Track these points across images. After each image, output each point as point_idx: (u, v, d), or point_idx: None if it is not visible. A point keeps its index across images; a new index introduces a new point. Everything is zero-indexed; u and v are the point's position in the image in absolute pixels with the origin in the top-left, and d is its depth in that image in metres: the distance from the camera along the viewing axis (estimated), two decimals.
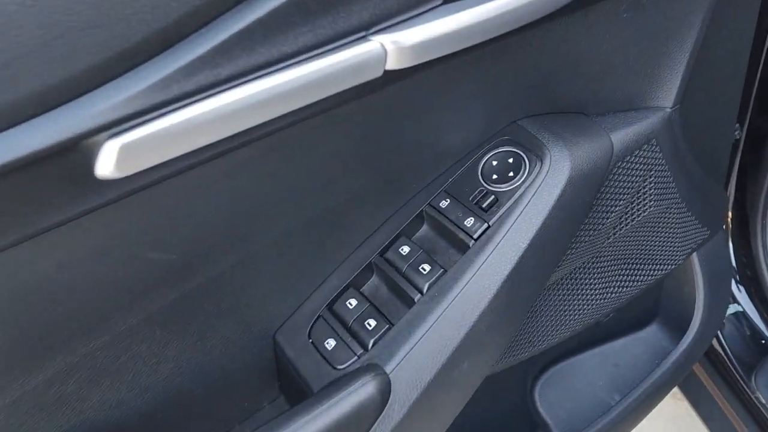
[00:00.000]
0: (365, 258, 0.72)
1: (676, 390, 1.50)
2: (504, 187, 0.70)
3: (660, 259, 0.94)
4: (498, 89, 0.70)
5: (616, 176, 0.76)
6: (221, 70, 0.48)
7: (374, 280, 0.72)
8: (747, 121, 1.23)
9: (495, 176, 0.71)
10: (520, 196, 0.69)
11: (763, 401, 1.32)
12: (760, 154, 1.24)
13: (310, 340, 0.70)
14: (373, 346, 0.67)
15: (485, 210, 0.70)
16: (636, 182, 0.78)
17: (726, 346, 1.37)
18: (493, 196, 0.70)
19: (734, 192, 1.32)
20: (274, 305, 0.71)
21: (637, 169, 0.78)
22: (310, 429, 0.63)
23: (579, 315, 0.89)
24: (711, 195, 0.99)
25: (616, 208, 0.78)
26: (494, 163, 0.72)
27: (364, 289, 0.72)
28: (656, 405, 1.15)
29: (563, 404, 1.17)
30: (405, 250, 0.71)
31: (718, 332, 1.37)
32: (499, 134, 0.74)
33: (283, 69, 0.50)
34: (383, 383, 0.64)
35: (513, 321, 0.73)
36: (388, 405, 0.65)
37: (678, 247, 0.95)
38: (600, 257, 0.85)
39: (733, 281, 1.37)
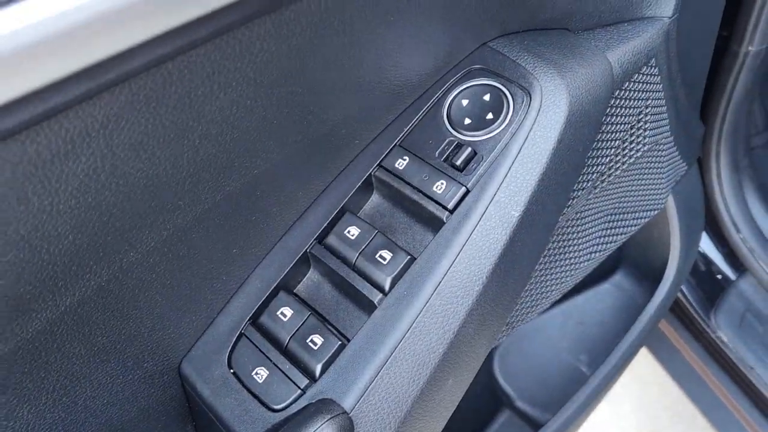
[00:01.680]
0: (298, 247, 0.52)
1: None
2: (482, 136, 0.51)
3: (645, 205, 0.78)
4: (460, 1, 0.51)
5: (614, 109, 0.59)
6: None
7: (313, 276, 0.52)
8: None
9: (468, 121, 0.52)
10: (507, 145, 0.50)
11: (725, 339, 1.23)
12: (715, 79, 1.11)
13: (232, 371, 0.50)
14: (322, 374, 0.48)
15: (460, 169, 0.51)
16: (633, 115, 0.62)
17: (683, 287, 1.27)
18: (469, 149, 0.51)
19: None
20: (173, 326, 0.50)
21: (635, 99, 0.61)
22: None
23: (561, 282, 0.73)
24: (691, 124, 0.84)
25: (609, 151, 0.61)
26: (464, 102, 0.52)
27: (300, 290, 0.52)
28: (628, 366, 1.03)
29: (525, 372, 1.03)
30: (353, 232, 0.51)
31: None
32: (467, 62, 0.54)
33: None
34: (343, 427, 0.45)
35: (503, 314, 0.55)
36: None
37: (663, 187, 0.80)
38: (585, 211, 0.69)
39: None
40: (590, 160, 0.59)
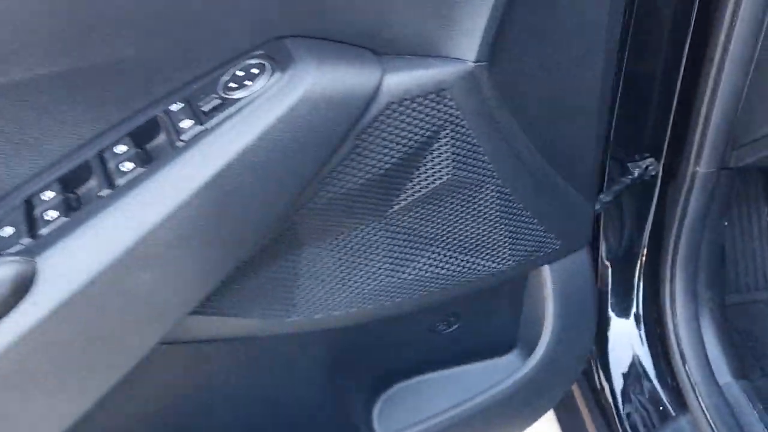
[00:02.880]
0: (81, 156, 0.65)
1: None
2: (235, 95, 0.63)
3: (482, 253, 0.83)
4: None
5: (392, 118, 0.68)
6: None
7: (78, 174, 0.65)
8: (663, 157, 1.12)
9: (232, 84, 0.65)
10: (247, 104, 0.62)
11: None
12: (670, 194, 1.13)
13: None
14: (39, 236, 0.60)
15: (206, 114, 0.63)
16: (421, 133, 0.70)
17: (620, 405, 1.22)
18: (219, 101, 0.63)
19: (649, 233, 1.19)
20: None
21: (421, 118, 0.69)
22: None
23: (369, 290, 0.79)
24: (563, 200, 0.89)
25: (396, 156, 0.69)
26: (238, 73, 0.65)
27: (66, 183, 0.65)
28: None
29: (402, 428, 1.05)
30: (121, 149, 0.64)
31: (614, 388, 1.22)
32: (260, 48, 0.67)
33: None
34: (26, 271, 0.57)
35: (215, 244, 0.64)
36: (28, 295, 0.57)
37: (506, 244, 0.84)
38: (394, 226, 0.76)
39: (637, 334, 1.23)
40: (367, 157, 0.68)
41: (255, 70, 0.64)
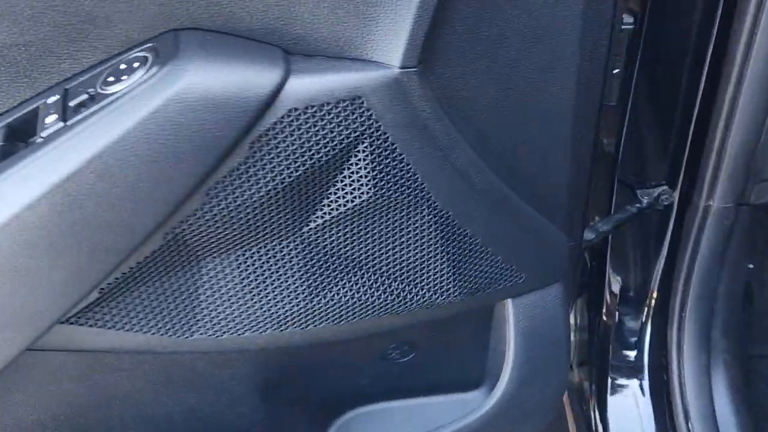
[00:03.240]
0: None
1: None
2: (108, 90, 0.57)
3: (419, 282, 0.74)
4: None
5: (294, 126, 0.60)
6: None
7: None
8: (678, 186, 0.99)
9: (111, 78, 0.58)
10: (114, 100, 0.56)
11: None
12: (684, 228, 0.99)
13: None
14: None
15: (74, 109, 0.57)
16: (332, 146, 0.62)
17: None
18: (87, 96, 0.57)
19: (661, 270, 1.06)
20: None
21: (331, 129, 0.61)
22: None
23: (285, 313, 0.72)
24: (527, 229, 0.78)
25: (301, 169, 0.62)
26: (122, 66, 0.59)
27: None
28: None
29: None
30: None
31: None
32: (153, 40, 0.61)
33: None
34: None
35: (71, 251, 0.58)
36: None
37: (450, 274, 0.75)
38: (312, 245, 0.69)
39: (639, 383, 1.10)
40: (265, 163, 0.60)
41: (136, 64, 0.58)
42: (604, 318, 1.10)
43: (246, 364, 0.81)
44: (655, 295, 1.07)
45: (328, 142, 0.62)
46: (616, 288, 1.10)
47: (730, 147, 0.86)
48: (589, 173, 0.82)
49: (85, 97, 0.56)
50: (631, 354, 1.09)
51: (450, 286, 0.75)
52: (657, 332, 1.06)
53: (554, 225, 0.80)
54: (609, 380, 1.10)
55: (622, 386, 1.09)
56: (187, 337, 0.70)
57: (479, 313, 0.86)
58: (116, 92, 0.56)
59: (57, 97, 0.59)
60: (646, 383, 1.08)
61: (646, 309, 1.08)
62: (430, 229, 0.71)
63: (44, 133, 0.56)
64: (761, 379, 1.13)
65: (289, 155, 0.61)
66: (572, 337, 1.25)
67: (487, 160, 0.72)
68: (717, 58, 0.83)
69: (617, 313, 1.10)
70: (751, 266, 1.04)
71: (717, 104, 0.85)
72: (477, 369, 0.93)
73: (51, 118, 0.56)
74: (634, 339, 1.09)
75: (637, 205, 0.99)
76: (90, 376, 0.74)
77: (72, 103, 0.56)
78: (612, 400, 1.10)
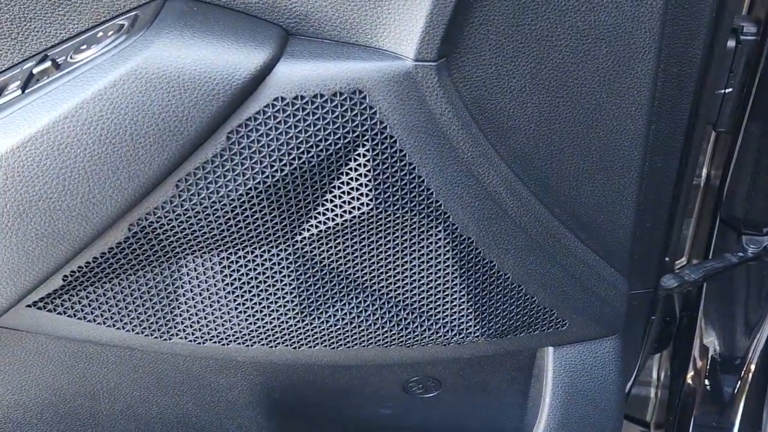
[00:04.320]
0: None
1: None
2: (73, 59, 0.51)
3: (434, 315, 0.63)
4: None
5: (279, 118, 0.51)
6: None
7: None
8: None
9: (84, 46, 0.52)
10: (71, 71, 0.50)
11: None
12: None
13: None
14: None
15: (37, 78, 0.51)
16: (324, 146, 0.52)
17: None
18: (49, 64, 0.51)
19: (764, 340, 0.88)
20: None
21: (324, 126, 0.52)
22: None
23: (275, 329, 0.64)
24: (576, 268, 0.65)
25: (288, 168, 0.53)
26: (99, 34, 0.53)
27: None
28: None
29: None
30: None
31: None
32: (139, 9, 0.54)
33: None
34: None
35: (19, 232, 0.53)
36: None
37: (472, 311, 0.63)
38: (306, 257, 0.60)
39: None
40: (233, 163, 0.52)
41: (111, 32, 0.51)
42: (689, 380, 0.93)
43: (246, 375, 0.74)
44: (756, 361, 0.89)
45: (320, 142, 0.52)
46: (708, 346, 0.93)
47: None
48: (668, 211, 0.68)
49: (48, 65, 0.51)
50: (716, 426, 0.91)
51: (470, 324, 0.64)
52: (751, 408, 0.88)
53: (613, 268, 0.67)
54: None
55: None
56: (165, 339, 0.63)
57: (519, 358, 0.74)
58: (77, 62, 0.50)
59: (33, 63, 0.54)
60: None
61: (742, 376, 0.90)
62: (446, 255, 0.60)
63: (1, 101, 0.51)
64: None
65: (273, 151, 0.53)
66: (652, 394, 1.08)
67: (527, 182, 0.60)
68: None
69: (706, 376, 0.93)
70: None
71: None
72: (513, 420, 0.81)
73: (13, 85, 0.51)
74: (721, 411, 0.91)
75: (740, 254, 0.82)
76: (75, 365, 0.69)
77: (36, 71, 0.51)
78: None
